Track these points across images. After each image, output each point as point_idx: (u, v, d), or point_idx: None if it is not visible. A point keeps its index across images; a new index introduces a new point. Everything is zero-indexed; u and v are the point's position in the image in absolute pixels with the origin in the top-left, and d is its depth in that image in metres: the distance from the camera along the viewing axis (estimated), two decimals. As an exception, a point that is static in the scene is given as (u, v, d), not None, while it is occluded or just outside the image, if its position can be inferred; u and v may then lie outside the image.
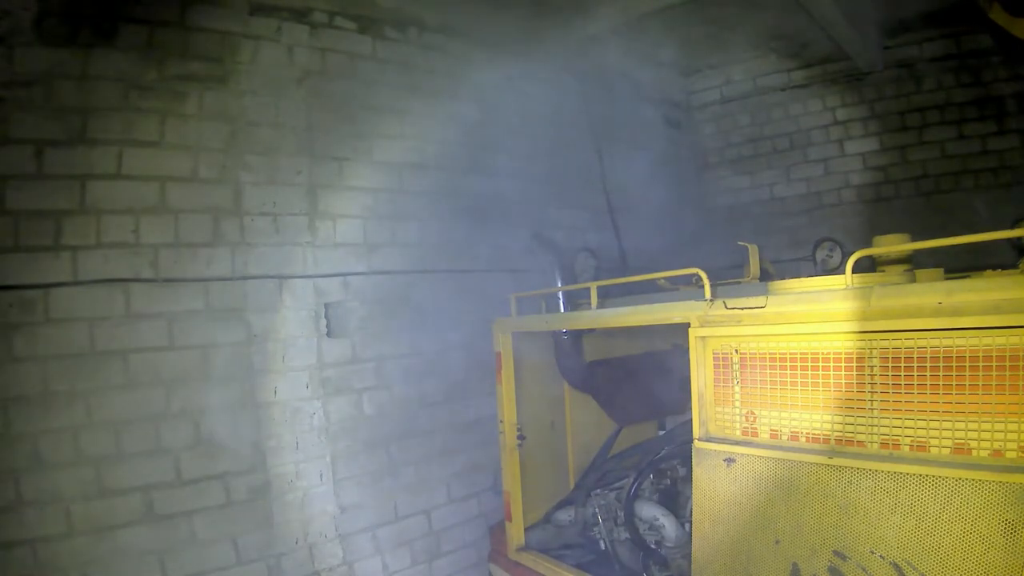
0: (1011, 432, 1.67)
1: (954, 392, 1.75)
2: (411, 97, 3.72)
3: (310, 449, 3.21)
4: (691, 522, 2.40)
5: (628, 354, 3.78)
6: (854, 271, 2.01)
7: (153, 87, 2.84)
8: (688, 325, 2.35)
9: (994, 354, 1.68)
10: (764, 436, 2.16)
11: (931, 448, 1.79)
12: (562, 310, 3.26)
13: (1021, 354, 1.64)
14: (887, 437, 1.87)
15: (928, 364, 1.79)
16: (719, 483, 2.22)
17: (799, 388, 2.07)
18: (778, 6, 4.04)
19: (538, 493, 3.45)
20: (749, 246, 2.99)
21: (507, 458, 3.33)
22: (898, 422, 1.85)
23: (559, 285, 3.29)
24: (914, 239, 2.18)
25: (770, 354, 2.14)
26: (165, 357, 2.82)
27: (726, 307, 2.23)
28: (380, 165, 3.57)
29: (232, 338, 3.01)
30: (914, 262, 2.43)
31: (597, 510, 3.22)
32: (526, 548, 3.26)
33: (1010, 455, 1.66)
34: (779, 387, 2.12)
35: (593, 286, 2.92)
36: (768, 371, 2.14)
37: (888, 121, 4.74)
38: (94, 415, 2.64)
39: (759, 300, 2.15)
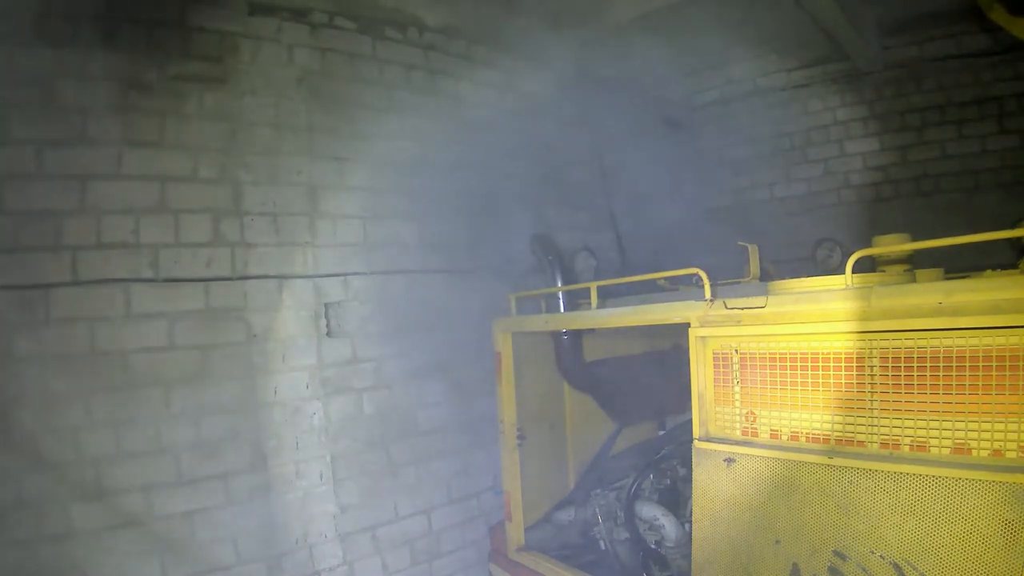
0: (1011, 432, 1.67)
1: (954, 392, 1.75)
2: (411, 97, 3.72)
3: (310, 449, 3.21)
4: (691, 522, 2.40)
5: (628, 354, 3.78)
6: (854, 271, 2.01)
7: (153, 87, 2.84)
8: (688, 325, 2.35)
9: (994, 354, 1.68)
10: (764, 436, 2.16)
11: (931, 448, 1.79)
12: (562, 310, 3.26)
13: (1021, 354, 1.64)
14: (887, 437, 1.87)
15: (928, 364, 1.79)
16: (719, 483, 2.22)
17: (799, 388, 2.07)
18: (778, 6, 4.04)
19: (538, 493, 3.45)
20: (749, 246, 2.99)
21: (507, 458, 3.33)
22: (898, 422, 1.85)
23: (559, 285, 3.29)
24: (914, 239, 2.18)
25: (770, 354, 2.14)
26: (165, 357, 2.82)
27: (726, 307, 2.23)
28: (380, 165, 3.56)
29: (232, 338, 3.01)
30: (914, 262, 2.43)
31: (597, 510, 3.22)
32: (526, 548, 3.26)
33: (1010, 455, 1.66)
34: (779, 387, 2.12)
35: (593, 286, 2.92)
36: (768, 371, 2.14)
37: (888, 121, 4.74)
38: (94, 415, 2.63)
39: (759, 300, 2.15)
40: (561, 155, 4.56)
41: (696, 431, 2.33)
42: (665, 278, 3.26)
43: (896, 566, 1.78)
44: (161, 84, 2.86)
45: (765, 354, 2.15)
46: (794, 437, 2.08)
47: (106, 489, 2.64)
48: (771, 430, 2.14)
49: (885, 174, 4.77)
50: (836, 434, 1.98)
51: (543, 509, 3.50)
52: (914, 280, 2.13)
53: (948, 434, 1.76)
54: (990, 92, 4.35)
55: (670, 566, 2.81)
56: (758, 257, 3.00)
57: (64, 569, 2.52)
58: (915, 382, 1.81)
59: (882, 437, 1.88)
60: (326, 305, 3.31)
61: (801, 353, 2.06)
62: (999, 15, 3.38)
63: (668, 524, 2.86)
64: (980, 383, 1.71)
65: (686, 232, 5.15)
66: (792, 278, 2.26)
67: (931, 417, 1.79)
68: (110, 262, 2.72)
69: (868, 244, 2.36)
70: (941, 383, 1.77)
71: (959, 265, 2.38)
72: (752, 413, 2.19)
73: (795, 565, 1.99)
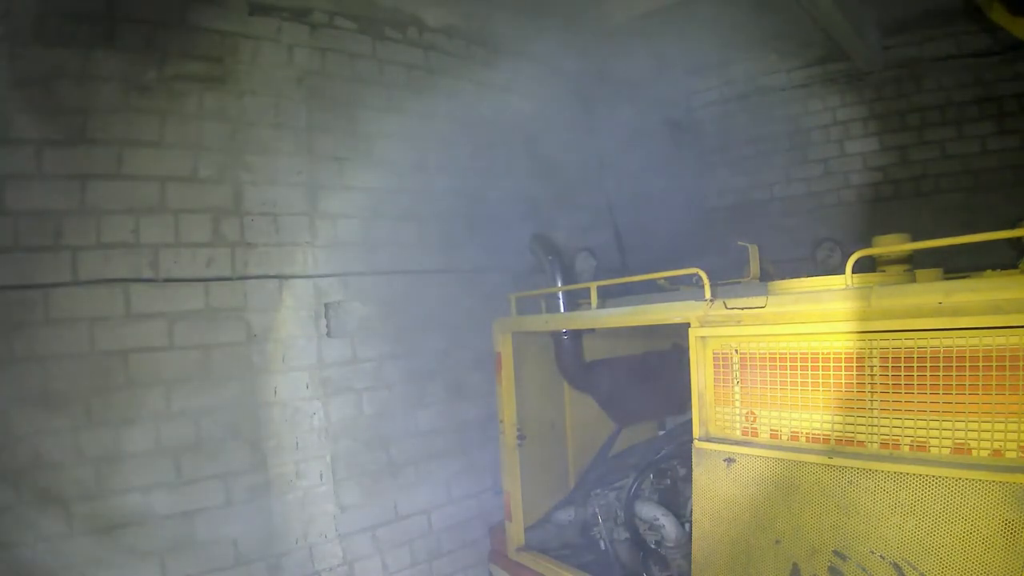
0: (1011, 432, 1.67)
1: (954, 392, 1.75)
2: (411, 97, 3.72)
3: (310, 449, 3.21)
4: (691, 522, 2.40)
5: (628, 354, 3.78)
6: (854, 271, 2.01)
7: (153, 87, 2.84)
8: (688, 325, 2.35)
9: (994, 354, 1.68)
10: (764, 436, 2.16)
11: (931, 448, 1.79)
12: (562, 310, 3.25)
13: (1021, 354, 1.64)
14: (887, 437, 1.87)
15: (928, 364, 1.79)
16: (719, 483, 2.22)
17: (799, 388, 2.07)
18: (778, 6, 4.04)
19: (538, 493, 3.45)
20: (749, 246, 2.99)
21: (507, 458, 3.33)
22: (898, 422, 1.85)
23: (559, 285, 3.29)
24: (914, 239, 2.18)
25: (770, 354, 2.14)
26: (165, 357, 2.82)
27: (726, 307, 2.23)
28: (380, 165, 3.57)
29: (232, 338, 3.01)
30: (914, 262, 2.43)
31: (597, 510, 3.21)
32: (526, 548, 3.26)
33: (1010, 455, 1.66)
34: (779, 387, 2.12)
35: (593, 286, 2.92)
36: (768, 371, 2.14)
37: (888, 121, 4.74)
38: (94, 415, 2.63)
39: (759, 300, 2.15)
40: (561, 155, 4.56)
41: (696, 431, 2.33)
42: (665, 278, 3.25)
43: (896, 566, 1.78)
44: (161, 84, 2.86)
45: (765, 354, 2.15)
46: (794, 437, 2.08)
47: (106, 489, 2.64)
48: (771, 430, 2.14)
49: (885, 174, 4.77)
50: (836, 434, 1.98)
51: (543, 509, 3.50)
52: (914, 280, 2.13)
53: (948, 434, 1.76)
54: (990, 92, 4.35)
55: (670, 566, 2.81)
56: (758, 257, 3.01)
57: (64, 569, 2.52)
58: (915, 382, 1.81)
59: (882, 437, 1.88)
60: (326, 305, 3.31)
61: (801, 353, 2.06)
62: (999, 15, 3.37)
63: (668, 524, 2.86)
64: (980, 383, 1.70)
65: (686, 232, 5.15)
66: (792, 278, 2.26)
67: (931, 417, 1.79)
68: (110, 262, 2.72)
69: (868, 244, 2.36)
70: (941, 383, 1.77)
71: (959, 265, 2.38)
72: (752, 413, 2.19)
73: (795, 565, 1.99)
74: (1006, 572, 1.60)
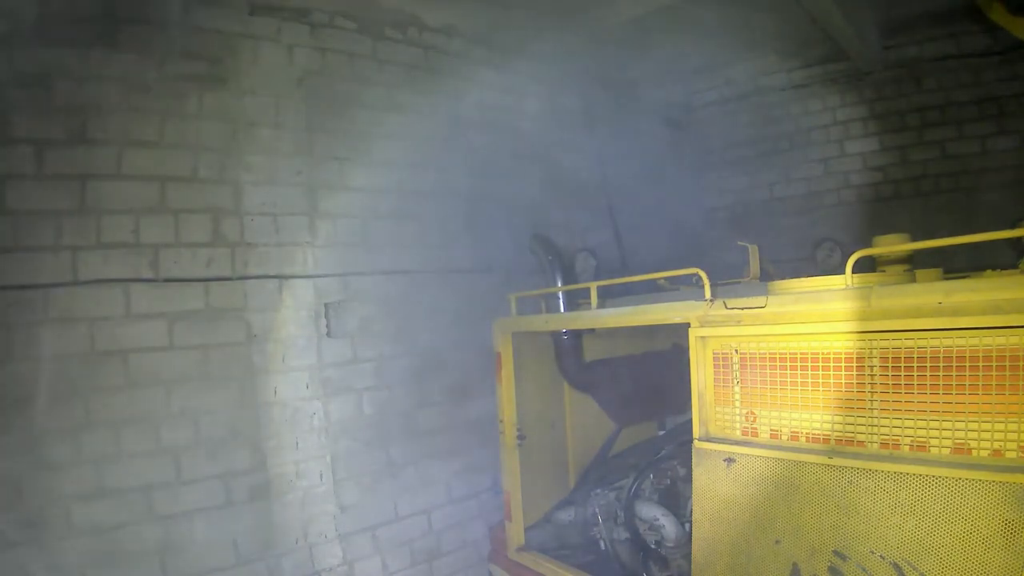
0: (1011, 432, 1.67)
1: (954, 392, 1.75)
2: (411, 97, 3.72)
3: (310, 449, 3.21)
4: (691, 522, 2.40)
5: (628, 354, 3.78)
6: (854, 271, 2.01)
7: (153, 87, 2.84)
8: (688, 325, 2.35)
9: (994, 354, 1.68)
10: (764, 436, 2.16)
11: (931, 448, 1.79)
12: (562, 310, 3.26)
13: (1021, 354, 1.64)
14: (887, 437, 1.87)
15: (928, 364, 1.79)
16: (719, 483, 2.22)
17: (799, 388, 2.07)
18: (778, 6, 4.04)
19: (538, 493, 3.45)
20: (749, 246, 2.99)
21: (507, 458, 3.33)
22: (898, 422, 1.85)
23: (559, 285, 3.29)
24: (914, 239, 2.18)
25: (770, 354, 2.14)
26: (165, 357, 2.82)
27: (726, 307, 2.23)
28: (380, 165, 3.57)
29: (232, 338, 3.01)
30: (914, 262, 2.43)
31: (597, 510, 3.21)
32: (526, 548, 3.26)
33: (1010, 455, 1.66)
34: (779, 387, 2.12)
35: (593, 286, 2.92)
36: (768, 371, 2.14)
37: (888, 121, 4.74)
38: (94, 415, 2.63)
39: (759, 300, 2.15)
40: (561, 154, 4.56)
41: (696, 431, 2.33)
42: (665, 278, 3.26)
43: (896, 566, 1.78)
44: (161, 84, 2.86)
45: (765, 354, 2.15)
46: (794, 437, 2.08)
47: (106, 489, 2.64)
48: (771, 430, 2.14)
49: (885, 174, 4.77)
50: (836, 434, 1.98)
51: (543, 509, 3.50)
52: (914, 280, 2.13)
53: (948, 434, 1.76)
54: (990, 92, 4.35)
55: (670, 566, 2.81)
56: (758, 257, 3.01)
57: (64, 569, 2.52)
58: (915, 382, 1.81)
59: (882, 437, 1.88)
60: (326, 305, 3.31)
61: (801, 353, 2.06)
62: (999, 15, 3.38)
63: (668, 524, 2.86)
64: (980, 383, 1.70)
65: (686, 232, 5.16)
66: (792, 278, 2.26)
67: (931, 417, 1.79)
68: (110, 262, 2.72)
69: (868, 244, 2.36)
70: (941, 383, 1.77)
71: (959, 265, 2.38)
72: (752, 413, 2.19)
73: (795, 565, 2.00)
74: (1006, 572, 1.60)
